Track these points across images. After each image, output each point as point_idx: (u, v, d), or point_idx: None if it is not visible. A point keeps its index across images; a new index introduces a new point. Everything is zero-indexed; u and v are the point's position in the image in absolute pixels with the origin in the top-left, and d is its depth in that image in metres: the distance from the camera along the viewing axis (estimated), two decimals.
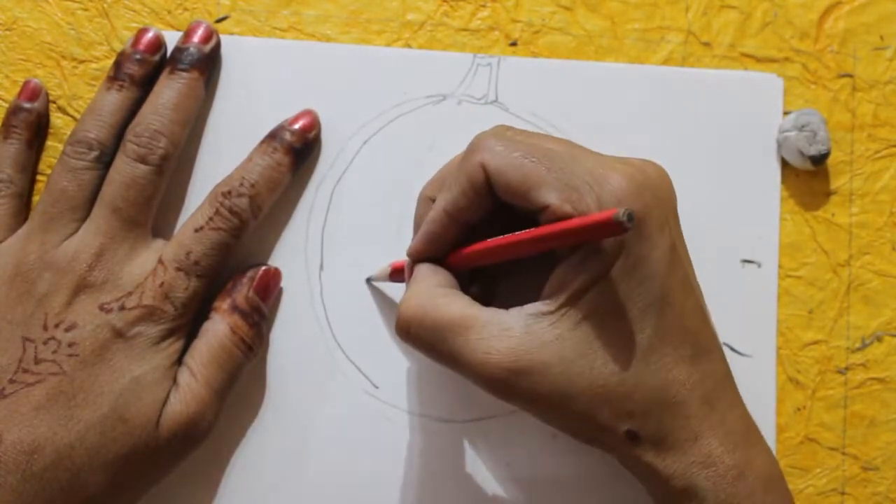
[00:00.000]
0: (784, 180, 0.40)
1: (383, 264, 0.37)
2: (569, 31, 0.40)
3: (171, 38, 0.38)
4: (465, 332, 0.30)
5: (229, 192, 0.36)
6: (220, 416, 0.35)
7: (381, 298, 0.38)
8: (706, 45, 0.40)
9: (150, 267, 0.35)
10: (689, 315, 0.31)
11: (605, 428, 0.30)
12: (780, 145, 0.40)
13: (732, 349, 0.39)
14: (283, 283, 0.38)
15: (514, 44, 0.40)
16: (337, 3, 0.39)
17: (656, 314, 0.30)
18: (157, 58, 0.37)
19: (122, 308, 0.34)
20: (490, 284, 0.36)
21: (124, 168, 0.35)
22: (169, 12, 0.39)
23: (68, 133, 0.36)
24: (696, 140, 0.40)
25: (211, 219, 0.35)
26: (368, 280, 0.38)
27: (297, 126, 0.37)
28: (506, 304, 0.31)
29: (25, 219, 0.37)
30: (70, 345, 0.33)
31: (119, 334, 0.34)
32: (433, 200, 0.34)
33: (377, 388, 0.38)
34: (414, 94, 0.39)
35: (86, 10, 0.39)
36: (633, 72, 0.40)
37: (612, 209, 0.27)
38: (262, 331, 0.37)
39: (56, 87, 0.38)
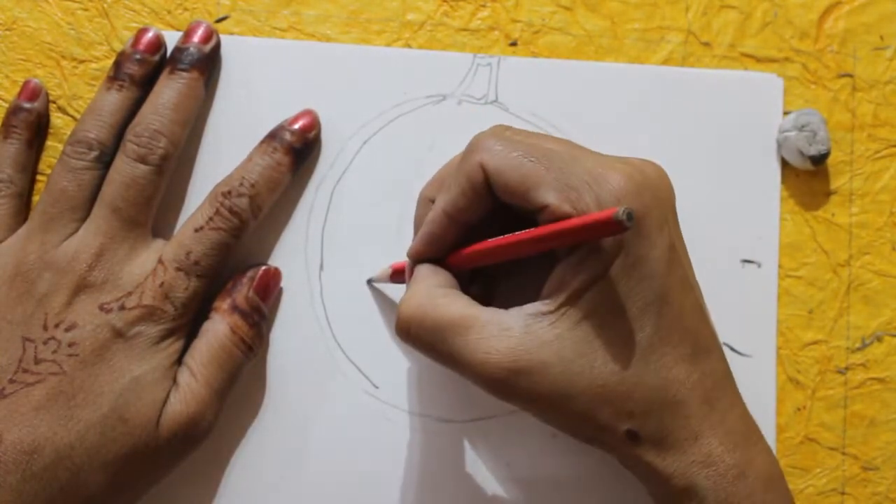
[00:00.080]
0: (784, 180, 0.40)
1: (384, 265, 0.37)
2: (569, 31, 0.40)
3: (171, 38, 0.38)
4: (464, 332, 0.30)
5: (229, 192, 0.36)
6: (220, 416, 0.35)
7: (382, 299, 0.38)
8: (706, 45, 0.40)
9: (150, 267, 0.35)
10: (689, 314, 0.31)
11: (605, 428, 0.30)
12: (780, 145, 0.40)
13: (732, 349, 0.39)
14: (283, 283, 0.38)
15: (514, 44, 0.40)
16: (337, 3, 0.39)
17: (656, 313, 0.30)
18: (157, 58, 0.37)
19: (122, 308, 0.34)
20: (490, 284, 0.36)
21: (124, 168, 0.35)
22: (169, 12, 0.39)
23: (68, 133, 0.36)
24: (696, 140, 0.40)
25: (211, 219, 0.35)
26: (369, 281, 0.38)
27: (297, 126, 0.37)
28: (506, 304, 0.31)
29: (25, 219, 0.37)
30: (70, 345, 0.33)
31: (119, 334, 0.34)
32: (433, 201, 0.34)
33: (377, 388, 0.38)
34: (414, 94, 0.39)
35: (86, 10, 0.39)
36: (633, 72, 0.40)
37: (611, 208, 0.27)
38: (262, 331, 0.37)
39: (56, 87, 0.38)
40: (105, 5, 0.39)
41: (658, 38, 0.40)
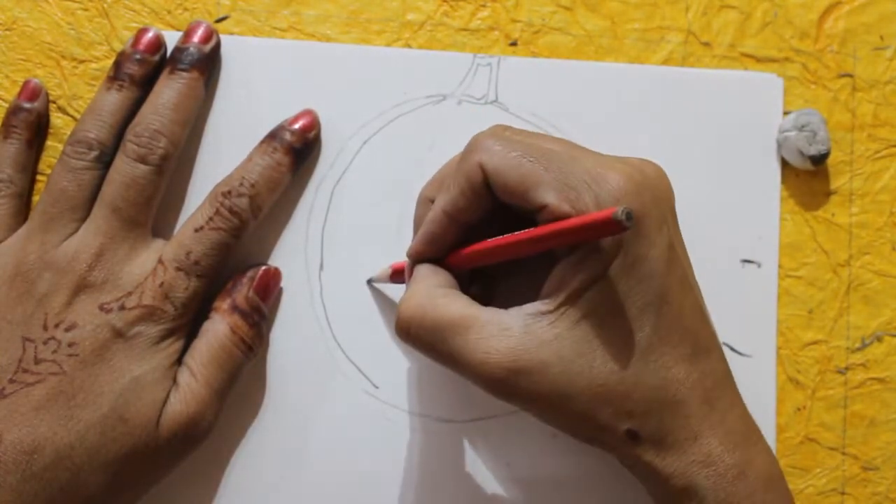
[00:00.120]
0: (784, 180, 0.40)
1: (384, 265, 0.37)
2: (569, 31, 0.40)
3: (171, 38, 0.38)
4: (464, 332, 0.30)
5: (229, 192, 0.36)
6: (220, 416, 0.35)
7: (382, 299, 0.38)
8: (706, 45, 0.40)
9: (150, 267, 0.35)
10: (688, 314, 0.31)
11: (604, 427, 0.30)
12: (780, 145, 0.40)
13: (732, 349, 0.39)
14: (283, 283, 0.38)
15: (514, 44, 0.40)
16: (337, 3, 0.39)
17: (655, 313, 0.30)
18: (157, 58, 0.37)
19: (122, 308, 0.34)
20: (490, 284, 0.36)
21: (124, 168, 0.35)
22: (169, 12, 0.39)
23: (68, 133, 0.36)
24: (696, 140, 0.40)
25: (211, 219, 0.35)
26: (369, 281, 0.38)
27: (297, 126, 0.37)
28: (505, 304, 0.31)
29: (25, 219, 0.37)
30: (70, 345, 0.33)
31: (119, 334, 0.34)
32: (432, 201, 0.34)
33: (377, 388, 0.38)
34: (414, 94, 0.39)
35: (86, 10, 0.39)
36: (633, 72, 0.40)
37: (610, 208, 0.27)
38: (262, 331, 0.37)
39: (56, 87, 0.38)
40: (105, 5, 0.39)
41: (658, 38, 0.40)
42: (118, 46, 0.39)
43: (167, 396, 0.34)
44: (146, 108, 0.36)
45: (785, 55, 0.40)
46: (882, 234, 0.40)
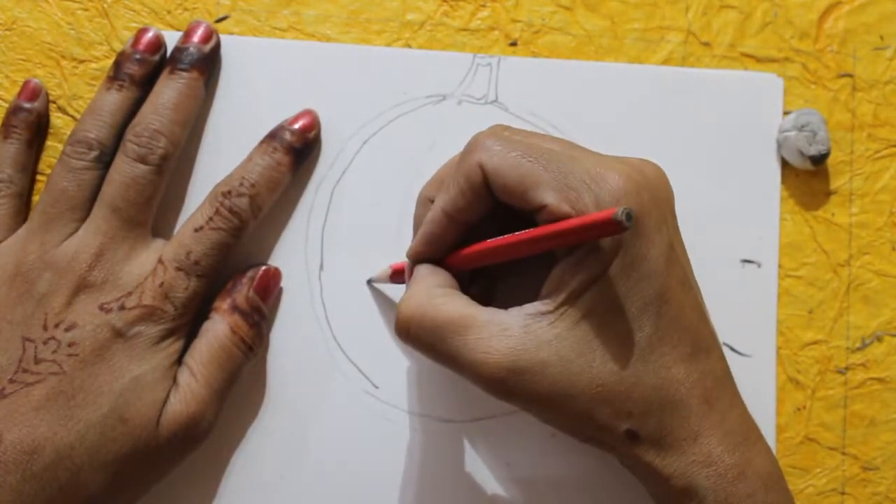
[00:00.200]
0: (784, 180, 0.40)
1: (383, 266, 0.37)
2: (569, 31, 0.40)
3: (171, 38, 0.38)
4: (464, 332, 0.30)
5: (229, 192, 0.36)
6: (220, 416, 0.35)
7: (382, 299, 0.38)
8: (706, 45, 0.40)
9: (149, 267, 0.35)
10: (688, 314, 0.31)
11: (604, 427, 0.30)
12: (780, 145, 0.40)
13: (732, 349, 0.39)
14: (283, 283, 0.38)
15: (513, 44, 0.40)
16: (337, 3, 0.39)
17: (655, 313, 0.30)
18: (157, 58, 0.37)
19: (121, 308, 0.34)
20: (489, 284, 0.36)
21: (124, 168, 0.35)
22: (169, 12, 0.39)
23: (68, 133, 0.36)
24: (696, 140, 0.40)
25: (211, 219, 0.35)
26: (369, 282, 0.38)
27: (297, 126, 0.37)
28: (505, 304, 0.31)
29: (25, 219, 0.37)
30: (70, 345, 0.33)
31: (119, 334, 0.34)
32: (432, 201, 0.34)
33: (377, 388, 0.38)
34: (414, 94, 0.39)
35: (86, 10, 0.39)
36: (633, 72, 0.40)
37: (610, 208, 0.27)
38: (262, 331, 0.37)
39: (56, 87, 0.38)
40: (105, 5, 0.39)
41: (658, 38, 0.40)
42: (118, 46, 0.39)
43: (167, 396, 0.34)
44: (146, 108, 0.36)
45: (785, 55, 0.40)
46: (882, 234, 0.40)
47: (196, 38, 0.37)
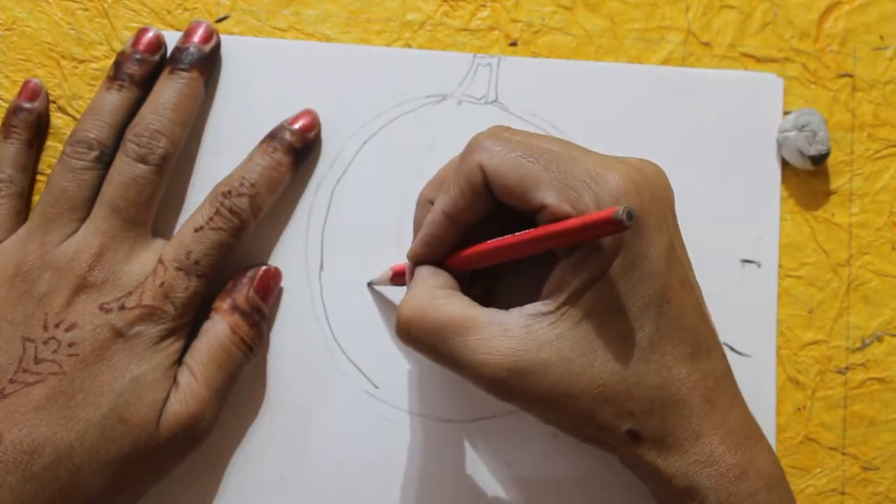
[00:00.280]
0: (784, 180, 0.40)
1: (384, 268, 0.37)
2: (569, 31, 0.40)
3: (171, 38, 0.38)
4: (464, 333, 0.30)
5: (229, 192, 0.36)
6: (220, 416, 0.35)
7: (382, 299, 0.38)
8: (706, 45, 0.40)
9: (150, 267, 0.35)
10: (689, 313, 0.31)
11: (605, 427, 0.30)
12: (780, 145, 0.40)
13: (732, 349, 0.39)
14: (283, 283, 0.38)
15: (513, 44, 0.40)
16: (337, 3, 0.39)
17: (656, 312, 0.30)
18: (157, 58, 0.37)
19: (122, 308, 0.34)
20: (490, 285, 0.36)
21: (124, 168, 0.35)
22: (169, 12, 0.39)
23: (68, 133, 0.36)
24: (696, 140, 0.40)
25: (211, 219, 0.35)
26: (369, 284, 0.38)
27: (297, 126, 0.37)
28: (506, 305, 0.31)
29: (25, 219, 0.37)
30: (70, 345, 0.33)
31: (119, 334, 0.34)
32: (432, 202, 0.34)
33: (377, 388, 0.38)
34: (414, 94, 0.39)
35: (86, 10, 0.39)
36: (633, 72, 0.40)
37: (610, 208, 0.27)
38: (263, 331, 0.37)
39: (56, 87, 0.38)
40: (105, 5, 0.39)
41: (658, 38, 0.40)
42: (118, 46, 0.39)
43: (167, 396, 0.34)
44: (146, 108, 0.36)
45: (785, 55, 0.40)
46: (882, 234, 0.40)
47: (196, 38, 0.37)
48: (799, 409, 0.39)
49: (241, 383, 0.37)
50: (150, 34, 0.37)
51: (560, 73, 0.39)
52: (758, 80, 0.40)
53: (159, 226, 0.37)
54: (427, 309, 0.31)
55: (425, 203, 0.35)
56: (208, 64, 0.37)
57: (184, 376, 0.34)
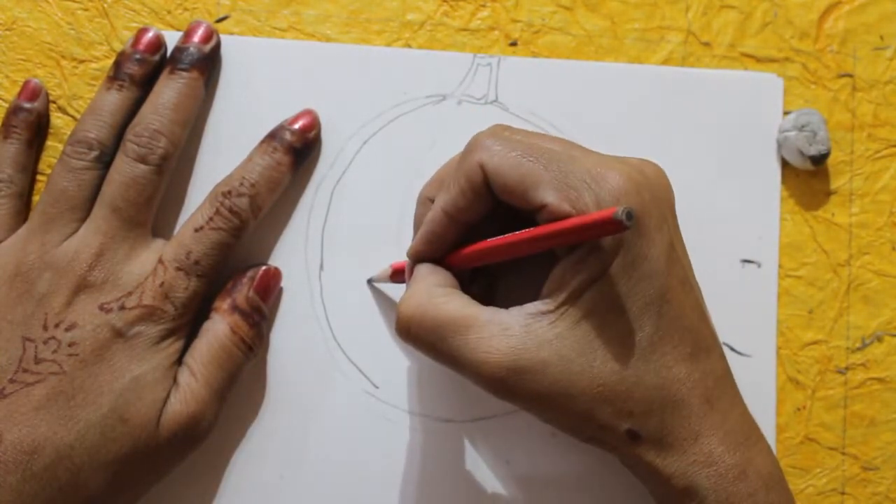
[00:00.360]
0: (784, 180, 0.40)
1: (384, 265, 0.37)
2: (569, 31, 0.40)
3: (171, 38, 0.38)
4: (464, 332, 0.30)
5: (229, 192, 0.36)
6: (220, 416, 0.35)
7: (382, 298, 0.38)
8: (706, 45, 0.40)
9: (150, 267, 0.35)
10: (689, 313, 0.31)
11: (605, 427, 0.30)
12: (780, 145, 0.40)
13: (732, 349, 0.39)
14: (283, 283, 0.38)
15: (513, 44, 0.40)
16: (337, 3, 0.39)
17: (656, 312, 0.30)
18: (157, 58, 0.37)
19: (122, 308, 0.34)
20: (490, 284, 0.36)
21: (124, 168, 0.35)
22: (169, 12, 0.39)
23: (68, 133, 0.36)
24: (695, 140, 0.40)
25: (211, 219, 0.35)
26: (369, 281, 0.38)
27: (297, 126, 0.37)
28: (506, 304, 0.31)
29: (25, 219, 0.37)
30: (70, 344, 0.33)
31: (119, 334, 0.34)
32: (432, 201, 0.34)
33: (377, 388, 0.38)
34: (414, 94, 0.39)
35: (86, 10, 0.39)
36: (633, 72, 0.40)
37: (611, 208, 0.27)
38: (263, 331, 0.37)
39: (56, 87, 0.38)
40: (105, 5, 0.39)
41: (658, 38, 0.40)
42: (118, 46, 0.39)
43: (167, 396, 0.34)
44: (146, 108, 0.36)
45: (785, 55, 0.40)
46: (882, 234, 0.40)
47: (196, 38, 0.37)
48: (799, 409, 0.39)
49: (241, 383, 0.37)
50: (150, 34, 0.37)
51: (560, 73, 0.39)
52: (758, 80, 0.40)
53: (159, 226, 0.37)
54: (427, 307, 0.31)
55: (425, 201, 0.35)
56: (208, 64, 0.37)
57: (184, 376, 0.34)
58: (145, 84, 0.37)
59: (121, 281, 0.34)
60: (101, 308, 0.34)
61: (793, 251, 0.40)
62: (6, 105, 0.38)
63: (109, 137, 0.36)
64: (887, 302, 0.40)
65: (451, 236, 0.33)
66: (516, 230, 0.31)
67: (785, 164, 0.40)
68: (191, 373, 0.34)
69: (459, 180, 0.32)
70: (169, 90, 0.36)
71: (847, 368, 0.40)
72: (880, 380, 0.40)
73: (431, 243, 0.33)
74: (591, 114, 0.39)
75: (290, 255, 0.38)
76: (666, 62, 0.40)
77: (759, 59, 0.40)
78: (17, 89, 0.38)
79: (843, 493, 0.39)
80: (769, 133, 0.40)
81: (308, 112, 0.38)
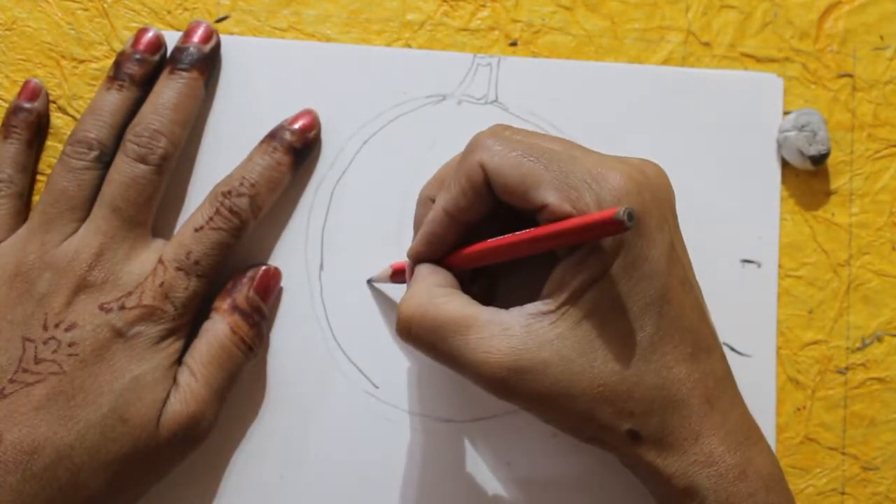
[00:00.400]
0: (784, 180, 0.40)
1: (384, 265, 0.37)
2: (569, 31, 0.40)
3: (171, 38, 0.38)
4: (465, 332, 0.30)
5: (229, 192, 0.36)
6: (220, 416, 0.35)
7: (382, 298, 0.38)
8: (706, 45, 0.40)
9: (150, 267, 0.35)
10: (689, 313, 0.31)
11: (605, 427, 0.30)
12: (780, 145, 0.40)
13: (732, 349, 0.39)
14: (283, 283, 0.38)
15: (513, 44, 0.40)
16: (337, 3, 0.39)
17: (656, 312, 0.30)
18: (157, 58, 0.37)
19: (122, 308, 0.34)
20: (491, 284, 0.36)
21: (124, 168, 0.35)
22: (169, 12, 0.39)
23: (68, 133, 0.36)
24: (696, 140, 0.40)
25: (211, 218, 0.35)
26: (369, 282, 0.38)
27: (297, 126, 0.37)
28: (506, 304, 0.31)
29: (25, 219, 0.37)
30: (70, 344, 0.33)
31: (119, 334, 0.34)
32: (433, 201, 0.34)
33: (377, 388, 0.38)
34: (414, 94, 0.39)
35: (86, 10, 0.39)
36: (633, 72, 0.40)
37: (612, 208, 0.27)
38: (263, 331, 0.37)
39: (56, 87, 0.38)
40: (105, 5, 0.39)
41: (658, 38, 0.40)
42: (118, 46, 0.39)
43: (167, 396, 0.34)
44: (146, 108, 0.36)
45: (785, 55, 0.40)
46: (882, 234, 0.40)
47: (196, 38, 0.37)
48: (799, 409, 0.39)
49: (241, 383, 0.37)
50: (150, 34, 0.37)
51: (560, 73, 0.39)
52: (758, 80, 0.40)
53: (159, 226, 0.37)
54: (427, 307, 0.31)
55: (426, 201, 0.35)
56: (208, 64, 0.37)
57: (184, 376, 0.34)
58: (145, 84, 0.37)
59: (121, 281, 0.34)
60: (101, 308, 0.34)
61: (793, 251, 0.40)
62: (6, 105, 0.38)
63: (109, 137, 0.36)
64: (887, 302, 0.40)
65: (452, 237, 0.33)
66: (517, 230, 0.31)
67: (785, 164, 0.40)
68: (191, 373, 0.34)
69: (460, 180, 0.32)
70: (169, 90, 0.36)
71: (847, 368, 0.40)
72: (880, 380, 0.40)
73: (432, 244, 0.33)
74: (591, 114, 0.39)
75: (290, 255, 0.38)
76: (666, 62, 0.40)
77: (759, 59, 0.40)
78: (17, 89, 0.38)
79: (843, 493, 0.39)
80: (769, 133, 0.40)
81: (308, 112, 0.38)
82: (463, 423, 0.38)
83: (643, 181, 0.30)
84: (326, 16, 0.39)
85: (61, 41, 0.39)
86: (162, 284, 0.34)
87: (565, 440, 0.36)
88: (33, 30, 0.39)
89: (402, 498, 0.37)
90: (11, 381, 0.33)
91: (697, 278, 0.33)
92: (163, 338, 0.34)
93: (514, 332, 0.30)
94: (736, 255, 0.39)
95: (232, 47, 0.39)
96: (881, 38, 0.41)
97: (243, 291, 0.36)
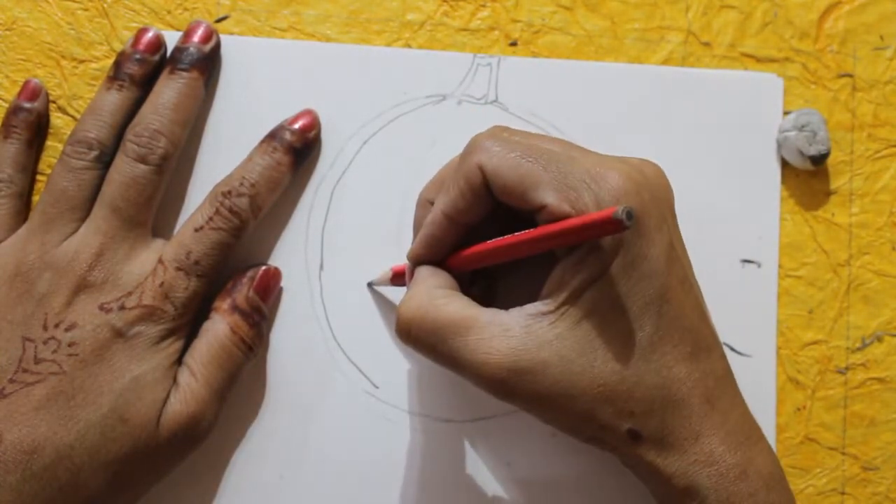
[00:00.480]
0: (784, 180, 0.40)
1: (384, 268, 0.37)
2: (569, 31, 0.40)
3: (171, 38, 0.38)
4: (464, 333, 0.30)
5: (229, 192, 0.36)
6: (220, 416, 0.35)
7: (382, 299, 0.38)
8: (706, 45, 0.40)
9: (150, 267, 0.35)
10: (689, 313, 0.31)
11: (606, 427, 0.30)
12: (780, 145, 0.40)
13: (732, 349, 0.39)
14: (283, 283, 0.38)
15: (513, 44, 0.40)
16: (337, 3, 0.39)
17: (656, 312, 0.30)
18: (157, 58, 0.37)
19: (122, 308, 0.34)
20: (490, 285, 0.36)
21: (124, 168, 0.35)
22: (169, 12, 0.39)
23: (68, 133, 0.36)
24: (696, 140, 0.40)
25: (211, 218, 0.35)
26: (369, 285, 0.38)
27: (297, 126, 0.37)
28: (506, 305, 0.31)
29: (25, 219, 0.37)
30: (70, 344, 0.33)
31: (119, 334, 0.34)
32: (432, 203, 0.34)
33: (377, 388, 0.38)
34: (414, 94, 0.39)
35: (86, 10, 0.39)
36: (633, 72, 0.40)
37: (610, 208, 0.27)
38: (262, 331, 0.37)
39: (56, 87, 0.38)
40: (105, 5, 0.39)
41: (658, 38, 0.40)
42: (118, 46, 0.39)
43: (167, 396, 0.34)
44: (146, 108, 0.36)
45: (785, 55, 0.40)
46: (882, 234, 0.40)
47: (196, 38, 0.37)
48: (799, 409, 0.39)
49: (241, 383, 0.37)
50: (150, 34, 0.37)
51: (560, 73, 0.39)
52: (758, 80, 0.40)
53: (159, 226, 0.37)
54: (427, 309, 0.31)
55: (425, 203, 0.35)
56: (208, 64, 0.37)
57: (184, 376, 0.34)
58: (145, 84, 0.37)
59: (121, 281, 0.34)
60: (101, 308, 0.34)
61: (793, 251, 0.40)
62: (6, 105, 0.38)
63: (109, 137, 0.36)
64: (887, 302, 0.40)
65: (451, 239, 0.33)
66: (516, 231, 0.31)
67: (785, 164, 0.40)
68: (191, 373, 0.34)
69: (459, 182, 0.32)
70: (169, 90, 0.36)
71: (847, 368, 0.40)
72: (880, 380, 0.40)
73: (431, 246, 0.33)
74: (591, 114, 0.39)
75: (290, 255, 0.38)
76: (666, 62, 0.40)
77: (759, 59, 0.40)
78: (17, 89, 0.38)
79: (843, 493, 0.39)
80: (769, 133, 0.40)
81: (308, 112, 0.38)
82: (463, 423, 0.38)
83: (642, 181, 0.30)
84: (326, 16, 0.39)
85: (61, 41, 0.39)
86: (162, 284, 0.34)
87: (565, 440, 0.36)
88: (33, 30, 0.39)
89: (402, 498, 0.37)
90: (11, 381, 0.33)
91: (697, 278, 0.33)
92: (163, 338, 0.34)
93: (514, 332, 0.30)
94: (736, 255, 0.39)
95: (232, 47, 0.39)
96: (881, 38, 0.41)
97: (243, 291, 0.36)
